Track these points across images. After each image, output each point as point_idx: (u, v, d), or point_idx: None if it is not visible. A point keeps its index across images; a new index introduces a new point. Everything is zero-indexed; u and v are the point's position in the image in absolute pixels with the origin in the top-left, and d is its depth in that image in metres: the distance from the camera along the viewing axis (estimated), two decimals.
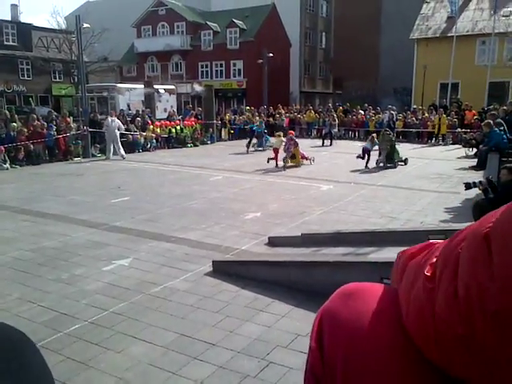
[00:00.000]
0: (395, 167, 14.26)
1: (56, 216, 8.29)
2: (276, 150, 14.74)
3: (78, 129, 17.37)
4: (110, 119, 16.70)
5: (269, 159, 14.47)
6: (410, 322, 0.56)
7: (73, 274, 5.50)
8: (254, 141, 19.88)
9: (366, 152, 14.28)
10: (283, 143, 14.83)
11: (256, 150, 19.26)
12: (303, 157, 14.99)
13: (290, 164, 14.43)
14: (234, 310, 4.53)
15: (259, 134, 19.88)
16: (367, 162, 14.16)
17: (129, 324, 4.24)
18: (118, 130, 16.76)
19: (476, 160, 14.01)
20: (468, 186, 7.45)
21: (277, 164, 14.35)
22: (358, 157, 14.47)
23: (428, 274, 0.54)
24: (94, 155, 17.02)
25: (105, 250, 6.39)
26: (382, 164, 14.36)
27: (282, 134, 15.82)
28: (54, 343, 3.89)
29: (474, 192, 9.44)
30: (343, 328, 0.62)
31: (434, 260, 0.54)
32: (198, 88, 27.46)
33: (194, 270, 5.57)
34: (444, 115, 21.54)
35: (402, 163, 14.65)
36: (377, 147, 14.79)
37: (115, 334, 4.05)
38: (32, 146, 15.33)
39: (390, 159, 14.40)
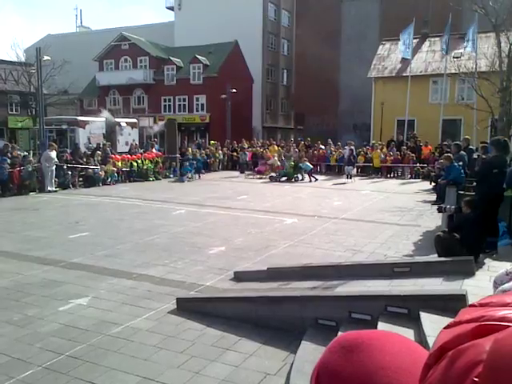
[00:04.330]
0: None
1: (8, 253, 7.85)
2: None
3: (37, 162, 16.85)
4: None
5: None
6: None
7: (26, 315, 5.16)
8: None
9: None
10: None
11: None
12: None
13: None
14: (199, 349, 4.34)
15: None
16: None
17: (86, 368, 3.96)
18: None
19: (433, 193, 14.51)
20: (440, 210, 7.86)
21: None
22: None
23: None
24: (50, 191, 16.37)
25: (61, 288, 6.05)
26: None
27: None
28: None
29: (434, 225, 9.71)
30: None
31: None
32: (156, 128, 27.50)
33: (157, 308, 5.35)
34: (378, 150, 22.64)
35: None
36: None
37: (72, 380, 3.77)
38: None
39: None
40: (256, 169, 22.47)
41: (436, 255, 6.51)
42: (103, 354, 4.23)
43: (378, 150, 22.75)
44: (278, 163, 21.64)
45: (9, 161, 16.06)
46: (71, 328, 4.79)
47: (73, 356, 4.17)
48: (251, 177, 21.52)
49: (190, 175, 20.75)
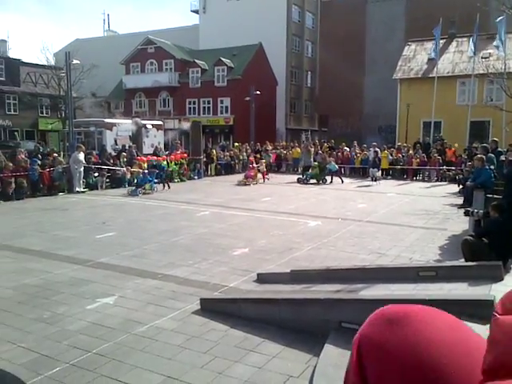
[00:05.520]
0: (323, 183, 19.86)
1: (38, 252, 8.07)
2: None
3: (67, 163, 17.26)
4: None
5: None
6: None
7: (55, 312, 5.29)
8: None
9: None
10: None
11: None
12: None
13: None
14: (223, 350, 4.37)
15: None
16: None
17: (113, 366, 4.04)
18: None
19: (460, 196, 14.23)
20: (467, 213, 7.76)
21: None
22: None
23: None
24: (78, 191, 16.70)
25: (89, 287, 6.19)
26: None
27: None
28: None
29: (461, 228, 9.53)
30: (395, 358, 0.52)
31: None
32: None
33: (182, 308, 5.41)
34: (386, 151, 22.69)
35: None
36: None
37: (98, 377, 3.86)
38: (15, 180, 15.06)
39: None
40: (246, 174, 21.03)
41: (463, 260, 6.39)
42: (128, 352, 4.31)
43: (386, 151, 22.68)
44: (265, 169, 21.66)
45: (39, 162, 16.51)
46: (98, 326, 4.90)
47: (99, 354, 4.26)
48: (244, 183, 19.94)
49: (147, 186, 16.63)
